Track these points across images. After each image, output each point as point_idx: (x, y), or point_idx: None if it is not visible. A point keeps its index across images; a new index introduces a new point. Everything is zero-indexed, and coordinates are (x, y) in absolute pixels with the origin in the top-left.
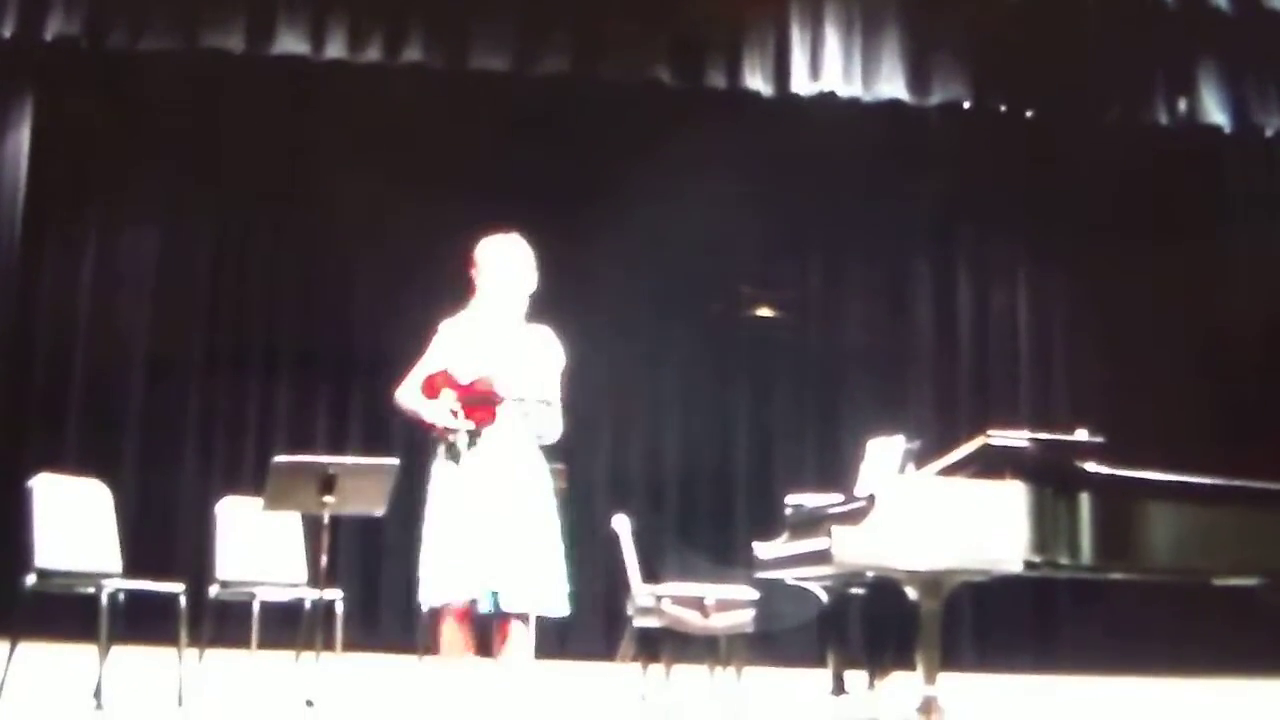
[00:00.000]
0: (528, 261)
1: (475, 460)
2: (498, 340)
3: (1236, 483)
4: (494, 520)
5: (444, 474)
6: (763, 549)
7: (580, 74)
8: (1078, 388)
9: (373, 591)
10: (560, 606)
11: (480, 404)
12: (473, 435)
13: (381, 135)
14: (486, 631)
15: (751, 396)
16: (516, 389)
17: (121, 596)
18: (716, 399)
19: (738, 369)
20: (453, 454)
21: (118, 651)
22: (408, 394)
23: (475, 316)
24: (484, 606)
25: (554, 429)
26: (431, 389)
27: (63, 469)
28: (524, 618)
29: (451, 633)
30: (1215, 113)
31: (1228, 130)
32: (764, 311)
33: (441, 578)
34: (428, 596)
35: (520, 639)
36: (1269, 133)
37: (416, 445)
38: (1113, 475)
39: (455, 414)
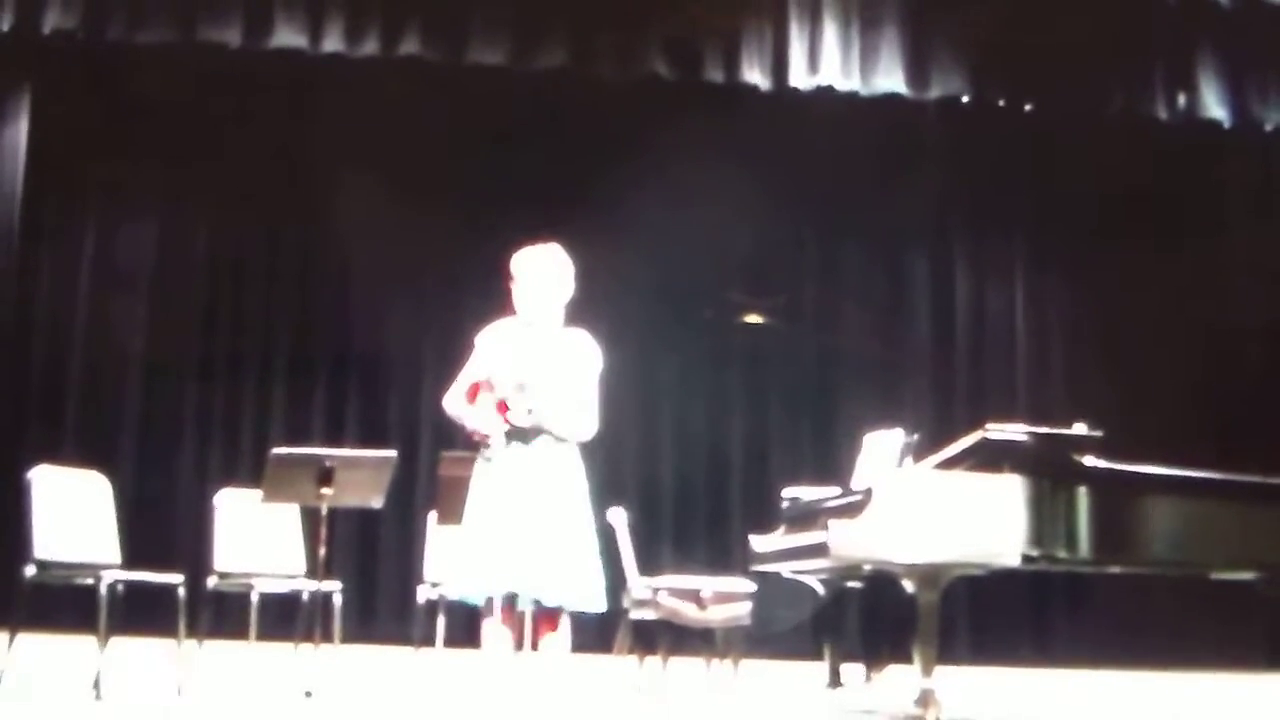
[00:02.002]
0: (564, 270)
1: (510, 459)
2: (536, 347)
3: (1235, 477)
4: (527, 518)
5: (482, 473)
6: (759, 542)
7: (577, 68)
8: (1075, 384)
9: (371, 583)
10: (597, 602)
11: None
12: (509, 436)
13: (379, 129)
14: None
15: (748, 390)
16: (533, 412)
17: (120, 587)
18: (713, 391)
19: (734, 363)
20: (488, 454)
21: (117, 642)
22: (453, 401)
23: (514, 324)
24: (523, 605)
25: (583, 430)
26: (474, 396)
27: (62, 461)
28: (561, 613)
29: (493, 629)
30: (1215, 108)
31: (1227, 125)
32: (757, 318)
33: (474, 574)
34: (460, 591)
35: (558, 635)
36: (1268, 127)
37: (412, 441)
38: (1111, 469)
39: (498, 408)
